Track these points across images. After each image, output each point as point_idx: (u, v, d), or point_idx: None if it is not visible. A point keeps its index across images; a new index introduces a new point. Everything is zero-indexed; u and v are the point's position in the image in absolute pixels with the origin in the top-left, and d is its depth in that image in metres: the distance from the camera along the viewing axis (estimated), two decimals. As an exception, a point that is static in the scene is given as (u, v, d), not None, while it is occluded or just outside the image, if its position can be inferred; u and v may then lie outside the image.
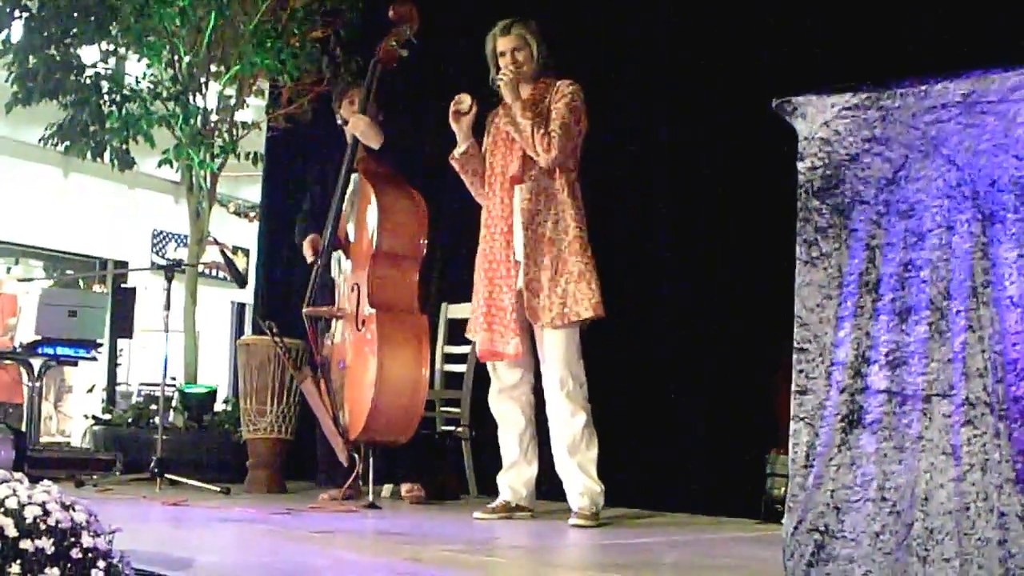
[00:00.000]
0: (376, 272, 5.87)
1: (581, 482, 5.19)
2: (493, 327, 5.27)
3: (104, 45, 8.17)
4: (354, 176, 6.07)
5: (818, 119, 3.29)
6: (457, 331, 6.98)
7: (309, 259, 6.21)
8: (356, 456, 5.84)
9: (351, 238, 6.08)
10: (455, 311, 7.02)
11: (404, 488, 6.19)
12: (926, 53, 5.24)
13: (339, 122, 6.36)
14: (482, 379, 6.59)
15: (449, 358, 7.03)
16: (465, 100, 5.37)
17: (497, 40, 5.40)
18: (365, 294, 5.83)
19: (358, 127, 5.96)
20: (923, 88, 3.14)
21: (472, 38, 5.57)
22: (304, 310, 6.09)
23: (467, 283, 6.45)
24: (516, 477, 5.41)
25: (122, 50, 8.30)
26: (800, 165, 3.32)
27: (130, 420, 7.59)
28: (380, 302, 5.83)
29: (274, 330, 6.25)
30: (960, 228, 3.02)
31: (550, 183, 5.27)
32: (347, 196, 6.07)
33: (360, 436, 5.76)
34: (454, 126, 5.41)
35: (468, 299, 6.84)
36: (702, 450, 6.10)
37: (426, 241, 6.04)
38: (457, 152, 5.46)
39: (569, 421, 5.20)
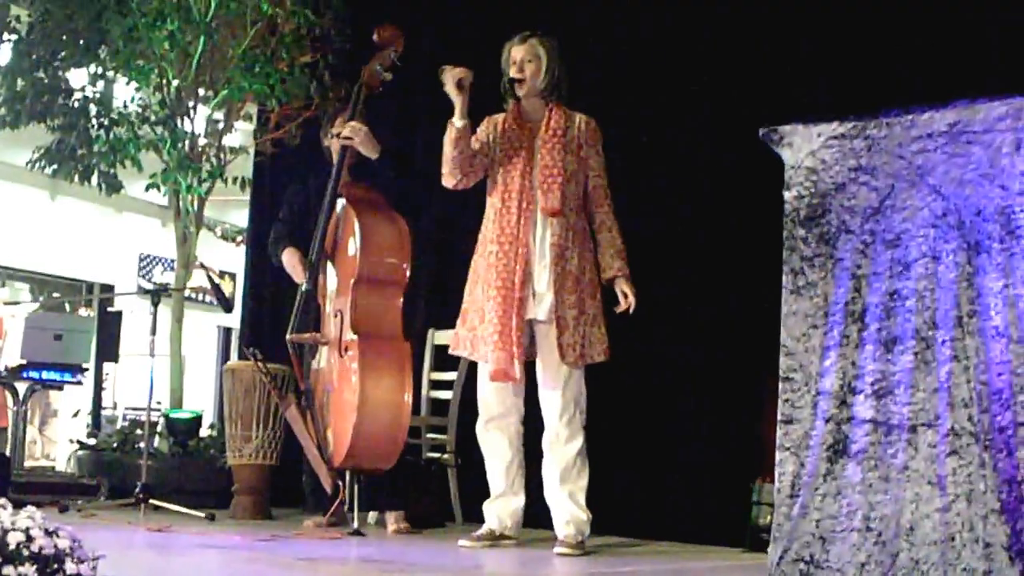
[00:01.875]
0: (359, 298, 5.85)
1: (569, 511, 5.18)
2: (506, 348, 5.19)
3: (93, 68, 8.17)
4: (339, 201, 6.06)
5: (804, 148, 3.30)
6: (443, 357, 6.97)
7: (297, 279, 6.19)
8: (340, 483, 5.81)
9: (333, 262, 6.07)
10: (441, 337, 7.00)
11: (390, 520, 6.14)
12: (912, 83, 5.26)
13: (325, 144, 6.35)
14: (468, 406, 6.59)
15: (435, 384, 7.01)
16: (458, 72, 5.27)
17: (512, 48, 5.40)
18: (348, 320, 5.82)
19: (359, 134, 5.93)
20: (909, 118, 3.15)
21: (466, 57, 5.56)
22: (288, 337, 6.08)
23: (453, 309, 6.44)
24: (503, 507, 5.38)
25: (111, 74, 8.30)
26: (787, 194, 3.33)
27: (115, 445, 7.55)
28: (363, 328, 5.81)
29: (258, 356, 6.23)
30: (946, 258, 3.03)
31: (578, 221, 5.31)
32: (332, 220, 6.06)
33: (343, 462, 5.74)
34: (457, 96, 5.29)
35: (454, 325, 6.85)
36: (688, 478, 6.09)
37: (409, 267, 6.01)
38: (459, 123, 5.32)
39: (564, 448, 5.20)
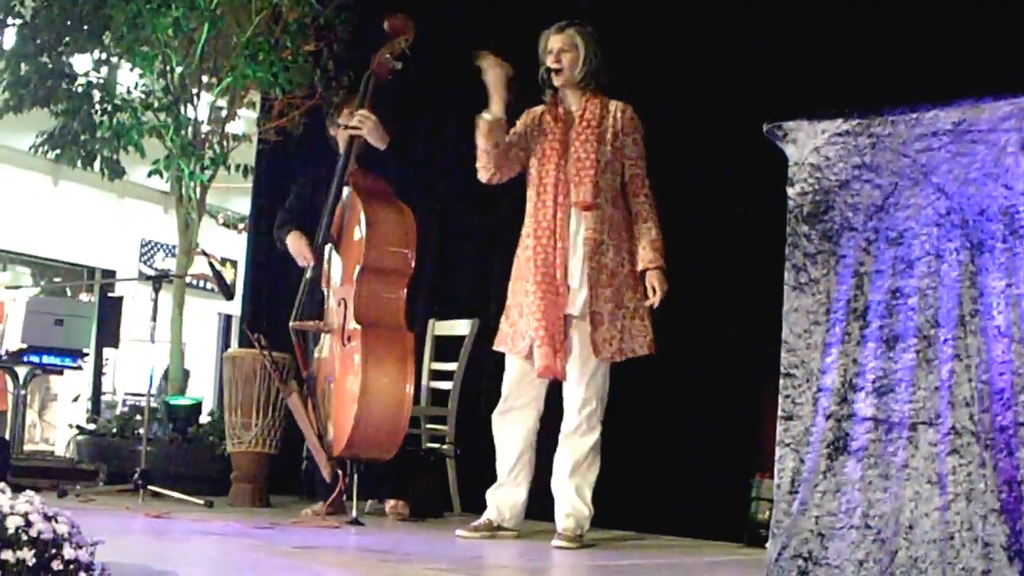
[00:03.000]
0: (363, 287, 5.84)
1: (572, 503, 5.18)
2: (552, 344, 5.15)
3: (97, 54, 8.17)
4: (345, 188, 6.05)
5: (808, 145, 3.30)
6: (444, 348, 6.98)
7: (301, 263, 6.18)
8: (340, 472, 5.82)
9: (339, 251, 6.06)
10: (442, 327, 7.01)
11: (388, 505, 6.17)
12: (917, 81, 5.25)
13: (331, 132, 6.34)
14: (469, 396, 6.60)
15: (436, 375, 7.01)
16: (494, 61, 5.21)
17: (549, 38, 5.34)
18: (352, 309, 5.81)
19: (367, 123, 5.91)
20: (914, 116, 3.15)
21: (466, 51, 5.55)
22: (291, 324, 6.08)
23: (453, 299, 6.47)
24: (504, 498, 5.37)
25: (114, 59, 8.30)
26: (790, 191, 3.32)
27: (114, 430, 7.56)
28: (366, 317, 5.80)
29: (262, 342, 6.22)
30: (949, 256, 3.03)
31: (615, 212, 5.26)
32: (338, 208, 6.05)
33: (344, 452, 5.74)
34: (494, 88, 5.23)
35: (455, 316, 6.86)
36: (687, 473, 6.10)
37: (414, 257, 6.00)
38: (490, 115, 5.26)
39: (579, 440, 5.19)
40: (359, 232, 5.89)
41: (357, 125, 5.89)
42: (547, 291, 5.17)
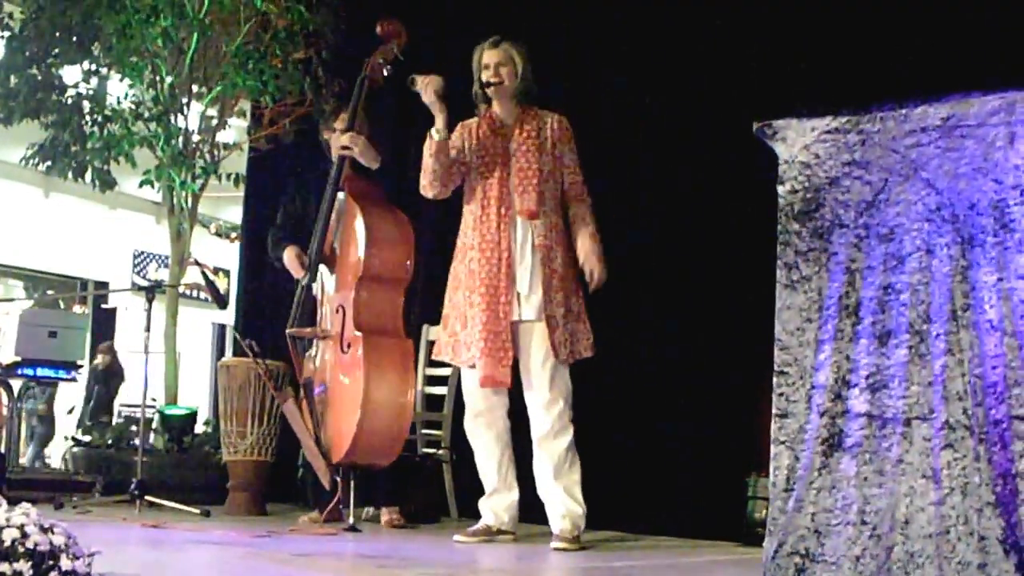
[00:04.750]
0: (362, 294, 5.84)
1: (564, 504, 5.19)
2: (494, 354, 5.20)
3: (86, 65, 8.17)
4: (340, 195, 6.04)
5: (798, 143, 3.30)
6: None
7: (296, 275, 6.18)
8: (338, 479, 5.81)
9: (335, 258, 6.06)
10: (436, 333, 7.00)
11: (383, 514, 6.17)
12: (906, 77, 5.26)
13: (323, 137, 6.34)
14: (464, 402, 6.59)
15: (430, 380, 7.01)
16: (435, 83, 5.30)
17: (484, 52, 5.40)
18: (351, 316, 5.81)
19: (356, 144, 5.93)
20: (903, 112, 3.15)
21: (456, 58, 5.56)
22: (288, 330, 6.07)
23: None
24: (498, 503, 5.39)
25: (104, 70, 8.30)
26: (780, 189, 3.33)
27: (110, 442, 7.55)
28: (366, 325, 5.80)
29: (255, 349, 6.22)
30: (940, 252, 3.04)
31: (558, 220, 5.34)
32: (332, 215, 6.04)
33: (344, 459, 5.74)
34: (437, 105, 5.31)
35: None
36: (683, 473, 6.09)
37: (412, 263, 6.01)
38: (439, 136, 5.31)
39: (554, 443, 5.21)
40: (357, 239, 5.88)
41: (348, 145, 5.92)
42: (491, 301, 5.23)
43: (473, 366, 5.28)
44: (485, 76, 5.37)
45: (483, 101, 5.44)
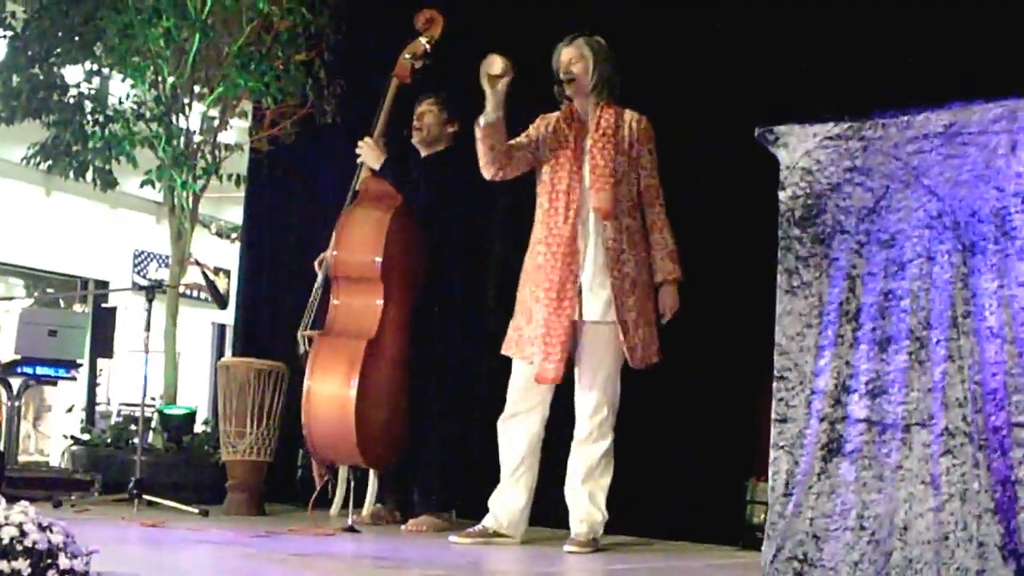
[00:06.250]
0: (335, 294, 5.98)
1: (585, 509, 5.22)
2: (551, 351, 5.18)
3: (88, 65, 8.16)
4: None
5: (800, 148, 3.30)
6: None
7: (320, 278, 6.25)
8: (326, 476, 5.91)
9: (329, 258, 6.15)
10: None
11: (425, 520, 6.17)
12: (908, 84, 5.26)
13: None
14: (463, 402, 6.58)
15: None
16: (496, 63, 5.17)
17: (561, 51, 5.42)
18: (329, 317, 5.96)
19: (362, 148, 6.02)
20: (905, 119, 3.16)
21: (477, 56, 5.56)
22: (301, 333, 6.13)
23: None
24: (503, 502, 5.38)
25: (106, 70, 8.29)
26: (782, 194, 3.33)
27: (109, 441, 7.55)
28: (333, 325, 5.93)
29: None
30: (941, 258, 3.04)
31: (631, 222, 5.31)
32: None
33: (316, 455, 5.96)
34: (487, 90, 5.20)
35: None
36: (682, 476, 6.09)
37: (381, 262, 5.96)
38: (484, 120, 5.25)
39: (592, 447, 5.24)
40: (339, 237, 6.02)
41: (357, 153, 6.01)
42: (555, 298, 5.20)
43: (532, 362, 5.26)
44: (561, 73, 5.38)
45: (564, 98, 5.43)
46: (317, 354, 5.87)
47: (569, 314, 5.19)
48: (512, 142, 5.37)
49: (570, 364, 5.28)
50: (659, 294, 5.32)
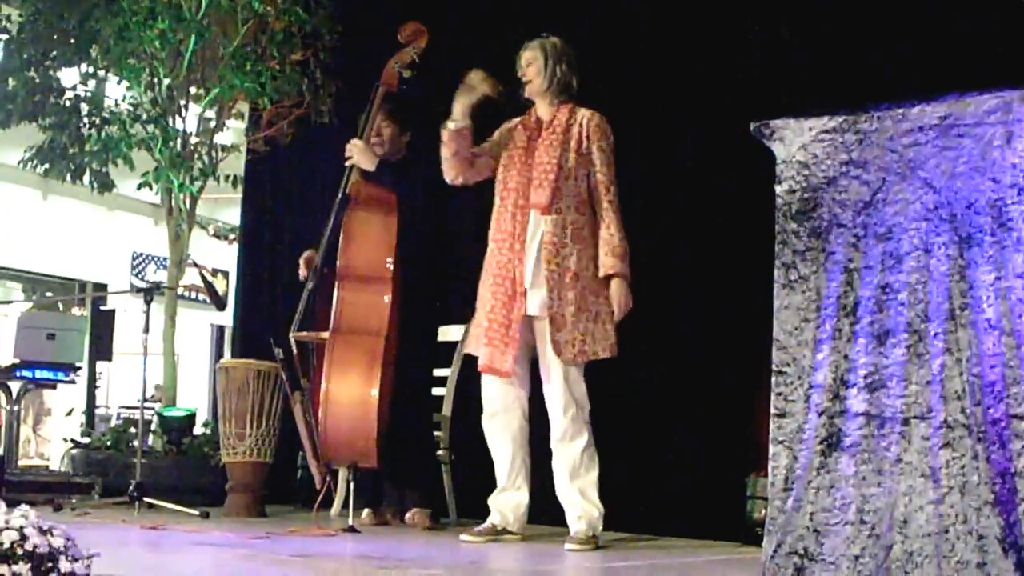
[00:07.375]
0: (341, 294, 5.93)
1: (580, 506, 5.21)
2: (495, 343, 5.26)
3: (84, 67, 8.17)
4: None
5: (796, 142, 3.30)
6: (440, 354, 6.96)
7: (301, 276, 6.22)
8: (327, 478, 5.88)
9: (338, 259, 6.12)
10: (440, 333, 7.00)
11: (414, 516, 6.17)
12: (903, 76, 5.26)
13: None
14: (463, 402, 6.58)
15: (432, 381, 6.99)
16: (474, 78, 5.32)
17: (521, 54, 5.48)
18: (333, 316, 5.90)
19: (353, 150, 6.01)
20: (900, 111, 3.16)
21: (467, 60, 5.58)
22: (292, 335, 6.10)
23: (450, 305, 6.46)
24: (505, 502, 5.40)
25: (102, 72, 8.30)
26: (778, 188, 3.33)
27: (109, 443, 7.55)
28: (342, 325, 5.88)
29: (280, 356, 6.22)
30: (937, 251, 3.04)
31: (578, 217, 5.32)
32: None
33: (324, 456, 5.82)
34: (460, 97, 5.34)
35: (448, 321, 6.84)
36: (682, 473, 6.09)
37: (392, 262, 5.98)
38: (452, 125, 5.36)
39: (569, 445, 5.24)
40: (343, 239, 5.98)
41: (348, 155, 6.00)
42: (501, 292, 5.29)
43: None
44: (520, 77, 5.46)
45: (526, 101, 5.50)
46: (332, 352, 5.81)
47: (517, 307, 5.24)
48: (475, 148, 5.47)
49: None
50: (609, 288, 5.32)
